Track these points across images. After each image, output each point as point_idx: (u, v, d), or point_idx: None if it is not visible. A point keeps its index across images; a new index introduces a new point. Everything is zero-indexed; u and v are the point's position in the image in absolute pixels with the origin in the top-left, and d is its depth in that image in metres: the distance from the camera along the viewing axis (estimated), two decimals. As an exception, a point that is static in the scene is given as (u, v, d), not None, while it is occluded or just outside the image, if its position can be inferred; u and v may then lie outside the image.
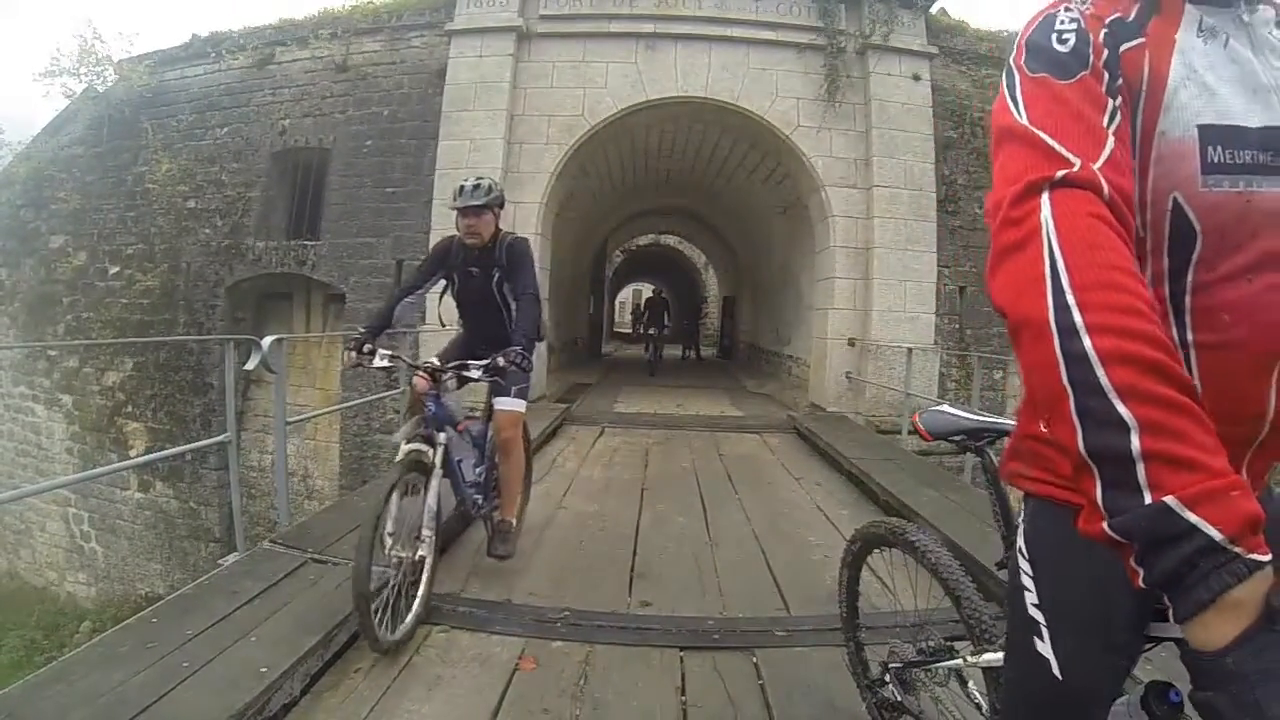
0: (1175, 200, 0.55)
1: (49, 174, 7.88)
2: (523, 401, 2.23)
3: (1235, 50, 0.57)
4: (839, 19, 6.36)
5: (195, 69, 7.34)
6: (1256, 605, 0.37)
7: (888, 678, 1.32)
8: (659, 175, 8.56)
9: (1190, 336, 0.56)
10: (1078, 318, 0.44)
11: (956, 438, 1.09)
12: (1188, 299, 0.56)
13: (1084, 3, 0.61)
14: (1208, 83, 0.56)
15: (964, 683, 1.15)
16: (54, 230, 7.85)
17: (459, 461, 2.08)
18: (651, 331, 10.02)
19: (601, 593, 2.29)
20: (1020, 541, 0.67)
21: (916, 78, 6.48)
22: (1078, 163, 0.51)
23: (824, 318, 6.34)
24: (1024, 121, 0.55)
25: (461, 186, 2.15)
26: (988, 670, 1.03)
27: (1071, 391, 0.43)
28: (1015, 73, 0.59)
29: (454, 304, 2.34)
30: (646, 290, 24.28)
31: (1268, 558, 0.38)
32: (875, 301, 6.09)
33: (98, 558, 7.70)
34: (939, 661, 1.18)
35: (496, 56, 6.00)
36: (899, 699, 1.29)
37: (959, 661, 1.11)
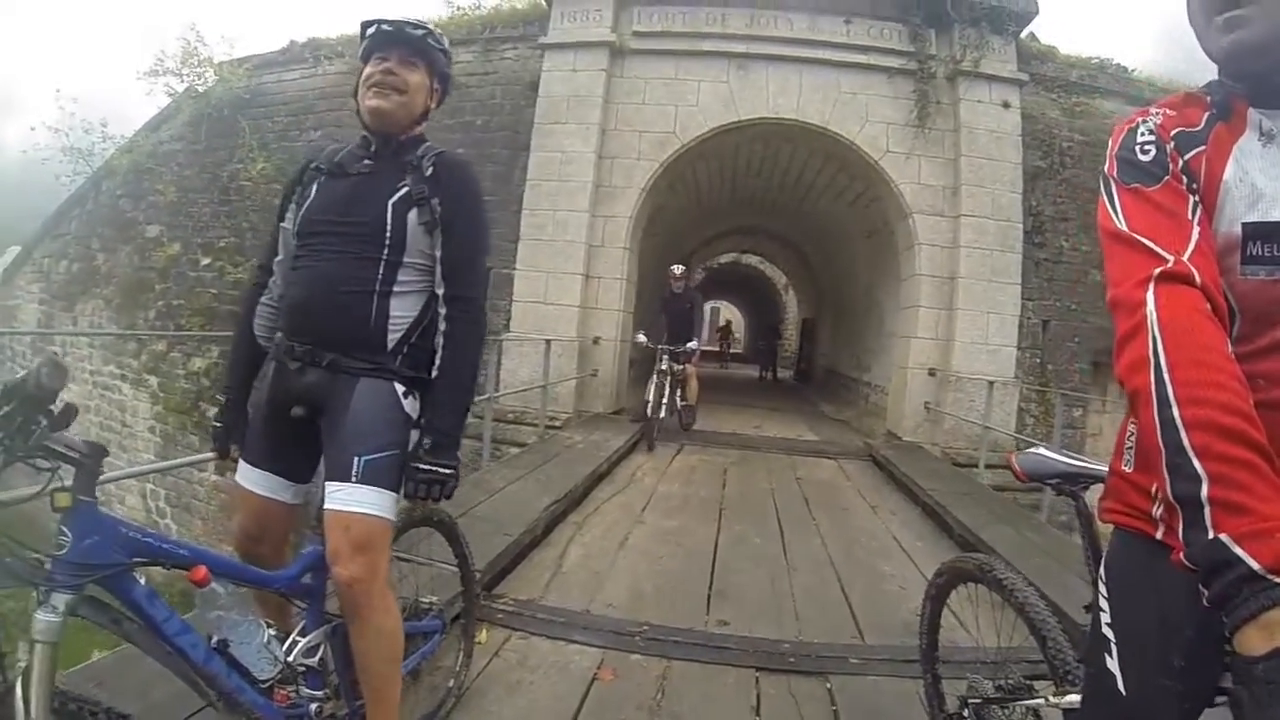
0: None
1: (148, 167, 8.30)
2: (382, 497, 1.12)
3: None
4: (930, 44, 6.29)
5: (292, 73, 7.66)
6: None
7: (966, 713, 1.31)
8: (745, 194, 8.59)
9: None
10: (1170, 391, 0.55)
11: (1052, 481, 1.08)
12: None
13: (1158, 114, 0.72)
14: (1257, 184, 0.65)
15: None
16: (150, 220, 8.26)
17: (222, 642, 0.99)
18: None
19: (680, 609, 2.31)
20: (1101, 568, 0.75)
21: (1006, 105, 6.36)
22: (1171, 259, 0.61)
23: (905, 346, 6.25)
24: (1125, 228, 0.66)
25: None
26: (1068, 712, 1.02)
27: (1164, 449, 0.54)
28: (1112, 184, 0.70)
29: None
30: (725, 310, 24.28)
31: None
32: (958, 332, 5.98)
33: (171, 535, 8.05)
34: (1018, 700, 1.18)
35: (589, 71, 6.11)
36: None
37: (1039, 701, 1.12)
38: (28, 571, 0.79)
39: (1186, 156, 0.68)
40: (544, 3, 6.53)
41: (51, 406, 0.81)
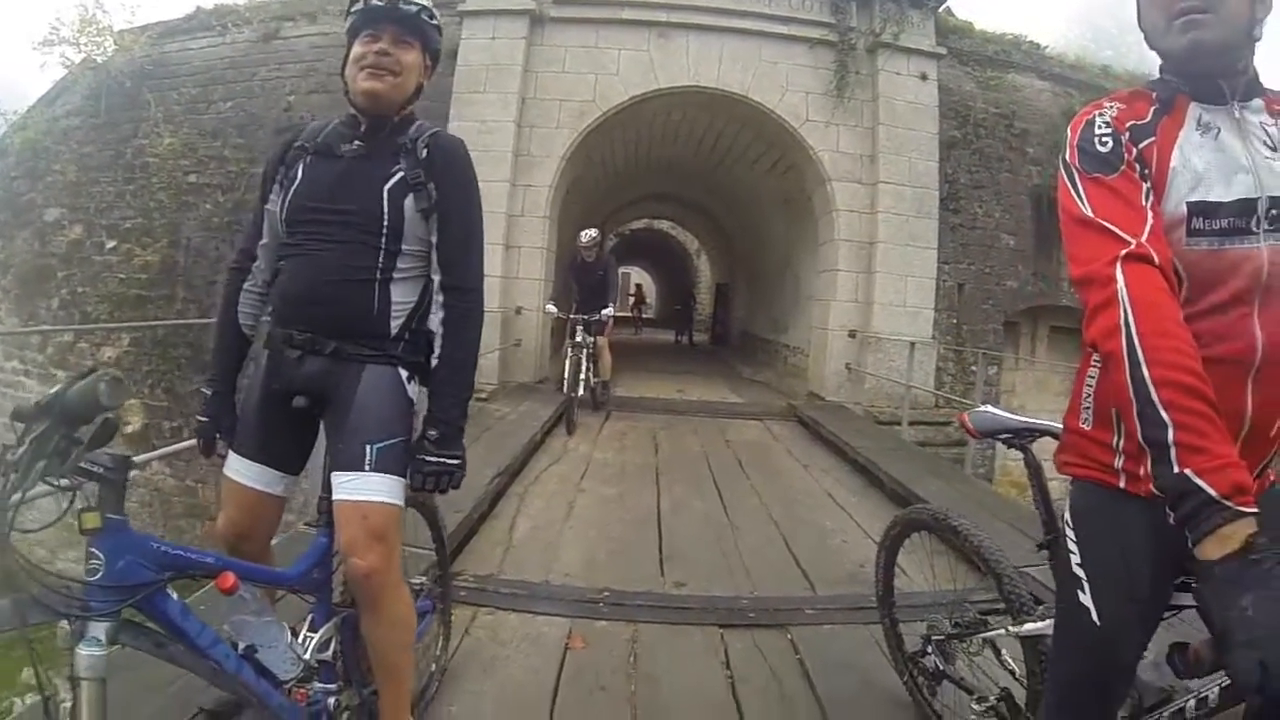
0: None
1: (45, 145, 7.72)
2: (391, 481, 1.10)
3: (1224, 141, 0.78)
4: (850, 16, 6.43)
5: (198, 41, 7.23)
6: (1239, 539, 0.59)
7: (930, 649, 1.43)
8: (661, 161, 8.59)
9: None
10: (1140, 355, 0.67)
11: (1003, 436, 1.20)
12: None
13: (1112, 107, 0.82)
14: (1198, 169, 0.77)
15: (998, 651, 1.29)
16: (49, 202, 7.70)
17: (249, 648, 0.99)
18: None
19: (635, 573, 2.37)
20: (1066, 514, 0.85)
21: (924, 77, 6.57)
22: (1134, 242, 0.72)
23: (825, 309, 6.43)
24: (1090, 214, 0.76)
25: None
26: (1025, 639, 1.14)
27: (1135, 401, 0.66)
28: (1075, 172, 0.80)
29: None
30: (636, 275, 24.25)
31: (1250, 509, 0.60)
32: (876, 295, 6.20)
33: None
34: (977, 633, 1.31)
35: (509, 39, 5.99)
36: (941, 668, 1.40)
37: (998, 632, 1.25)
38: (61, 603, 0.71)
39: (1140, 146, 0.78)
40: (462, -32, 6.35)
41: (86, 429, 0.73)
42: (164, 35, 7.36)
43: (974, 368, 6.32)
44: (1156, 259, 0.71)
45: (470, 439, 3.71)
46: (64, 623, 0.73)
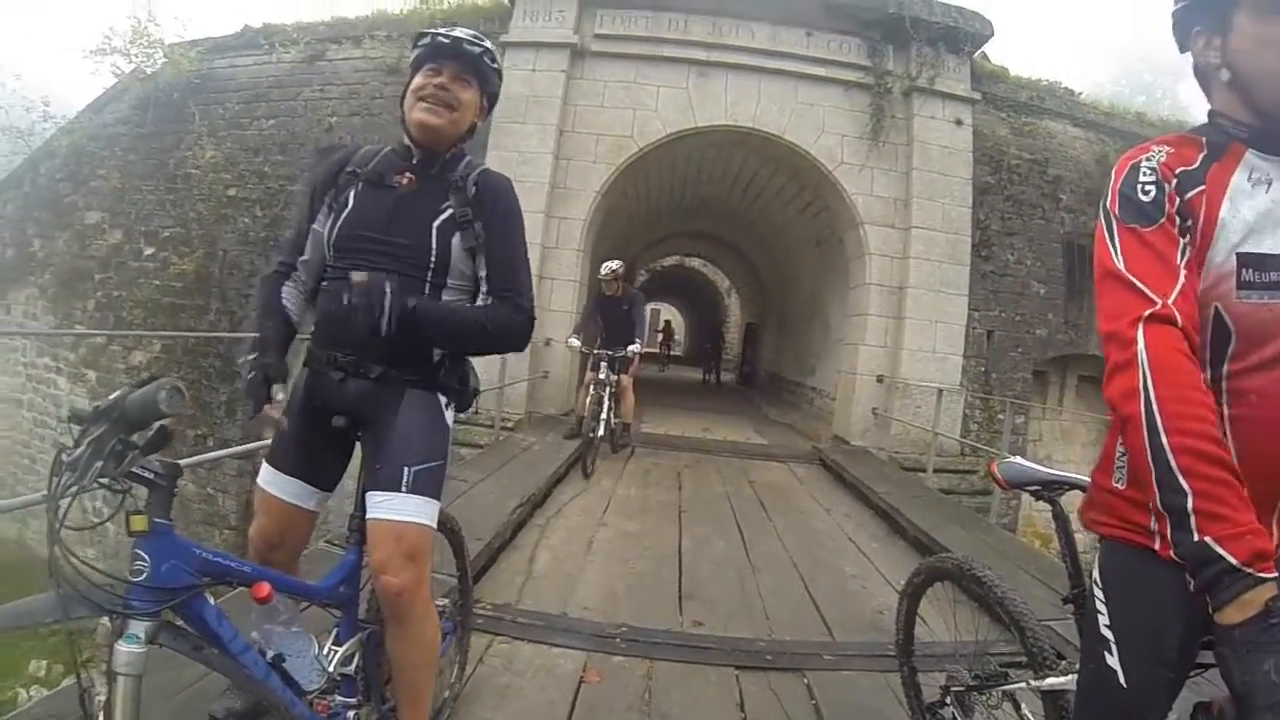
0: (1216, 309, 0.75)
1: (90, 150, 7.93)
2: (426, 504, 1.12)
3: (1276, 194, 0.76)
4: (887, 60, 6.45)
5: (245, 59, 7.41)
6: (1259, 605, 0.60)
7: (949, 700, 1.41)
8: (695, 199, 8.64)
9: (1227, 411, 0.75)
10: (1159, 421, 0.66)
11: (1032, 488, 1.18)
12: (1225, 382, 0.76)
13: (1160, 152, 0.80)
14: (1248, 219, 0.74)
15: (1017, 706, 1.26)
16: (91, 206, 7.89)
17: (277, 656, 1.01)
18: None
19: (654, 610, 2.36)
20: (1095, 574, 0.83)
21: (959, 122, 6.57)
22: (1159, 303, 0.71)
23: (854, 353, 6.39)
24: (1121, 267, 0.75)
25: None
26: (1047, 694, 1.11)
27: (1154, 467, 0.66)
28: (1113, 221, 0.78)
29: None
30: (665, 312, 24.26)
31: (1270, 576, 0.61)
32: (906, 340, 6.15)
33: (108, 535, 7.70)
34: (997, 686, 1.29)
35: (550, 71, 6.08)
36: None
37: (1019, 685, 1.22)
38: (107, 600, 0.73)
39: (1188, 195, 0.76)
40: (506, 1, 6.47)
41: (142, 434, 0.76)
42: (212, 51, 7.55)
43: (1001, 416, 6.24)
44: (1180, 321, 0.70)
45: (492, 468, 3.78)
46: (105, 619, 0.75)
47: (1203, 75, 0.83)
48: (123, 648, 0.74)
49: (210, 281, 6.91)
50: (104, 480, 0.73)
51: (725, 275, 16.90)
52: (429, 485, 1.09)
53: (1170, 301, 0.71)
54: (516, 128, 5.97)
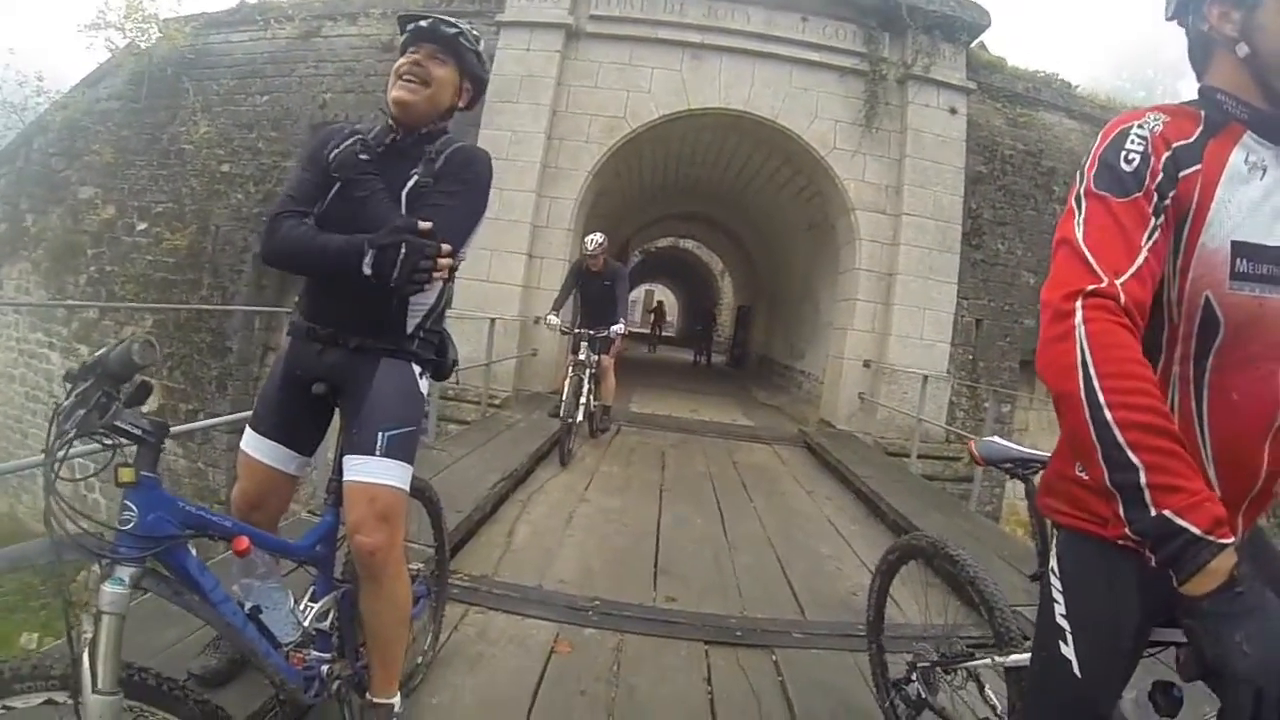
0: (1207, 298, 0.72)
1: (84, 125, 7.91)
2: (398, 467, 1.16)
3: (1272, 181, 0.72)
4: (883, 47, 6.45)
5: (240, 34, 7.39)
6: (1225, 572, 0.59)
7: (914, 676, 1.44)
8: (688, 181, 8.65)
9: (1205, 406, 0.73)
10: (1100, 395, 0.64)
11: (1006, 465, 1.23)
12: (1207, 376, 0.73)
13: (1156, 121, 0.75)
14: (1243, 207, 0.71)
15: (981, 686, 1.30)
16: (84, 181, 7.88)
17: (254, 608, 1.05)
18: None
19: (628, 585, 2.38)
20: (1053, 563, 0.82)
21: (953, 111, 6.58)
22: (1105, 280, 0.68)
23: (842, 337, 6.43)
24: (1078, 237, 0.71)
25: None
26: (1010, 670, 1.15)
27: (1099, 445, 0.63)
28: (1083, 181, 0.74)
29: None
30: (659, 293, 24.23)
31: (1230, 541, 0.59)
32: (894, 326, 6.19)
33: (100, 509, 7.75)
34: (961, 663, 1.32)
35: (544, 51, 6.07)
36: (923, 696, 1.41)
37: (982, 663, 1.25)
38: (95, 545, 0.79)
39: (1183, 173, 0.72)
40: (502, -21, 6.45)
41: (126, 385, 0.82)
42: (207, 26, 7.53)
43: (987, 404, 6.29)
44: (1123, 300, 0.67)
45: (477, 444, 3.80)
46: (95, 565, 0.81)
47: (1203, 46, 0.79)
48: (108, 589, 0.79)
49: (203, 257, 6.92)
50: (95, 434, 0.79)
51: (719, 257, 16.89)
52: (402, 450, 1.14)
53: (1120, 281, 0.67)
54: (509, 107, 5.97)
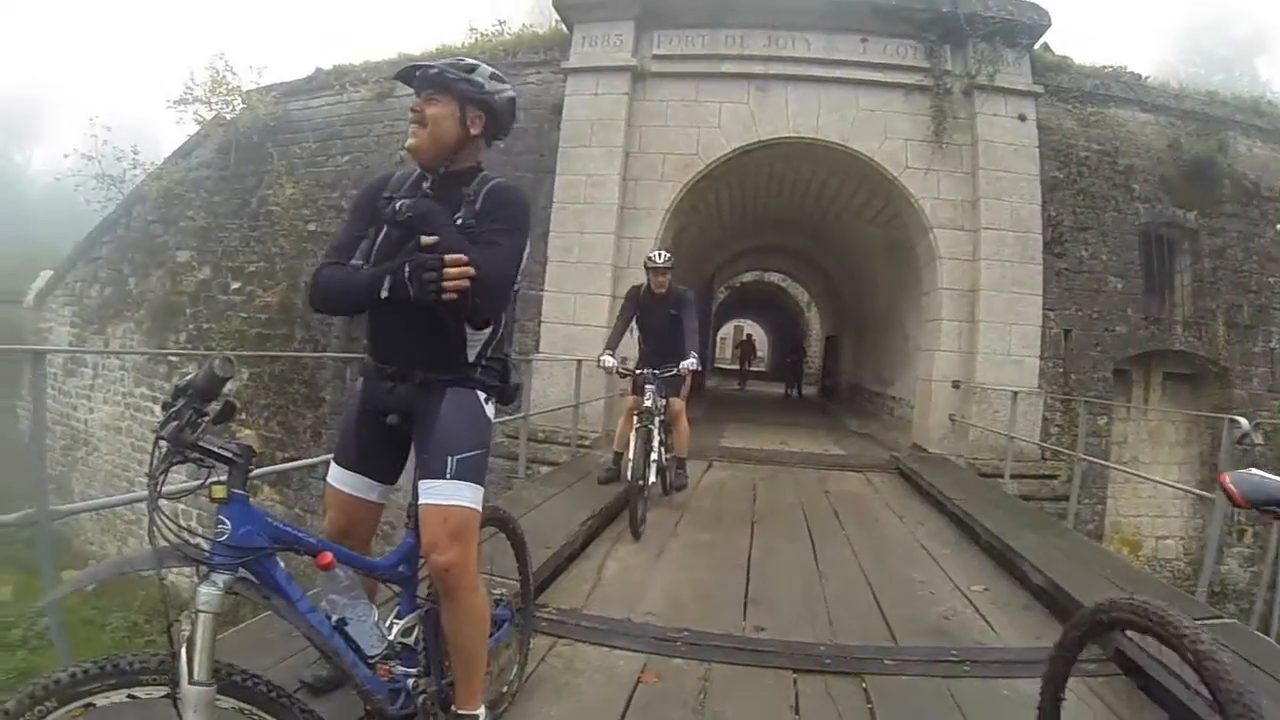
0: None
1: (178, 193, 8.53)
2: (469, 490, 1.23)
3: None
4: (945, 60, 6.37)
5: (318, 100, 7.86)
6: None
7: None
8: (766, 213, 8.67)
9: None
10: None
11: (1273, 507, 0.99)
12: None
13: None
14: None
15: None
16: (180, 245, 8.48)
17: (340, 621, 1.12)
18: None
19: (717, 616, 2.39)
20: None
21: (1022, 117, 6.43)
22: None
23: (929, 359, 6.30)
24: None
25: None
26: None
27: None
28: None
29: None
30: (748, 327, 24.27)
31: None
32: (980, 344, 6.03)
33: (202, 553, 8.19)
34: None
35: (612, 94, 6.23)
36: None
37: None
38: (194, 553, 0.91)
39: None
40: (565, 28, 6.68)
41: (215, 404, 0.94)
42: (287, 94, 8.04)
43: (1082, 418, 6.03)
44: None
45: (566, 483, 3.94)
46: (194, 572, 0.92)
47: None
48: (204, 590, 0.90)
49: (294, 312, 7.32)
50: (190, 456, 0.91)
51: (804, 289, 16.85)
52: (472, 472, 1.23)
53: None
54: (583, 151, 6.14)
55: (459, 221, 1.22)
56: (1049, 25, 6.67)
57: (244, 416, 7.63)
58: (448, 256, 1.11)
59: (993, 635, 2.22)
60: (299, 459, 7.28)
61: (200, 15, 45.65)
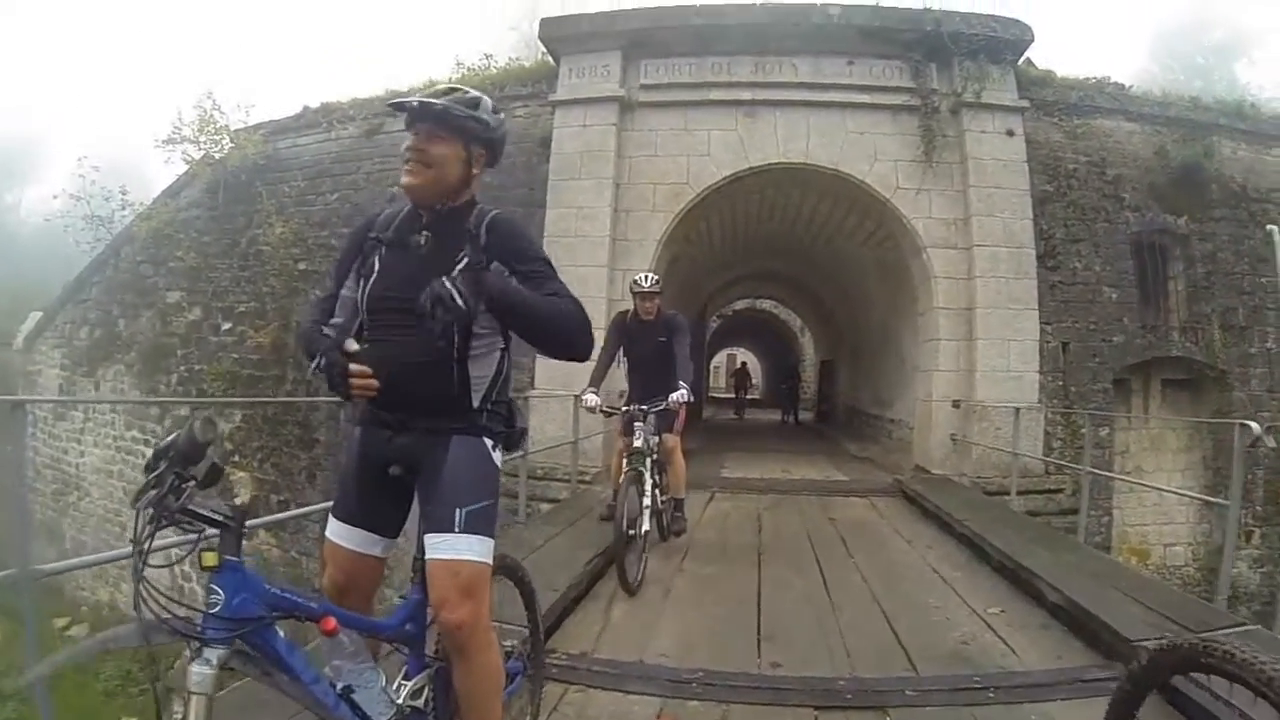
0: None
1: (168, 233, 8.46)
2: (481, 541, 1.18)
3: None
4: (931, 79, 6.42)
5: (306, 138, 7.84)
6: None
7: None
8: (758, 239, 8.68)
9: None
10: None
11: None
12: None
13: None
14: None
15: None
16: (171, 286, 8.40)
17: (346, 688, 1.08)
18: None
19: (731, 653, 2.34)
20: None
21: (1010, 133, 6.46)
22: None
23: (928, 379, 6.27)
24: None
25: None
26: None
27: None
28: None
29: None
30: (741, 354, 24.27)
31: None
32: (979, 362, 6.01)
33: (196, 599, 8.03)
34: None
35: (600, 126, 6.24)
36: None
37: None
38: (183, 627, 0.84)
39: None
40: (551, 60, 6.70)
41: (199, 466, 0.88)
42: (275, 133, 8.02)
43: (1084, 430, 6.00)
44: None
45: (568, 521, 3.85)
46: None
47: None
48: (195, 669, 0.82)
49: (286, 352, 7.24)
50: (177, 521, 0.84)
51: (797, 315, 16.89)
52: (481, 524, 1.16)
53: None
54: (573, 184, 6.13)
55: (464, 261, 1.15)
56: (1032, 40, 6.74)
57: (237, 459, 7.52)
58: (353, 367, 1.09)
59: (1014, 658, 2.19)
60: (294, 501, 7.21)
61: (189, 55, 45.98)
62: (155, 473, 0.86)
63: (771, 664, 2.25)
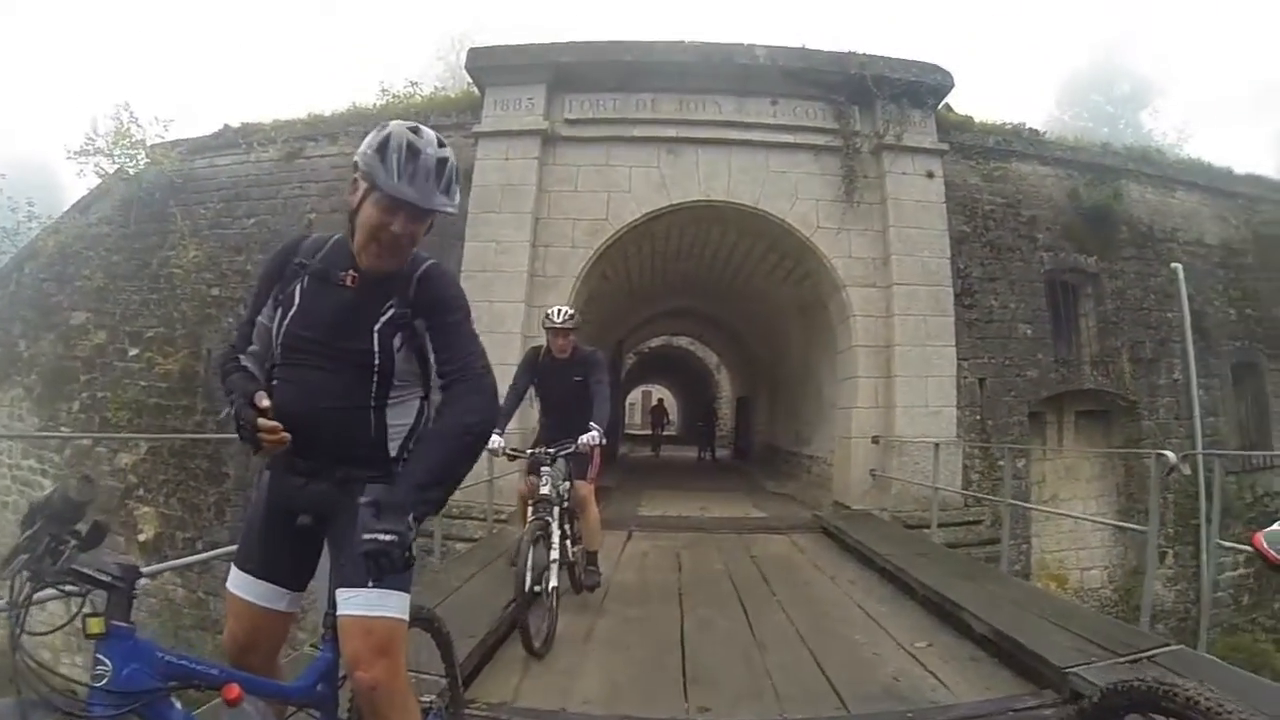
0: None
1: (75, 250, 7.99)
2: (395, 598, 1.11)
3: None
4: (854, 121, 6.59)
5: (225, 158, 7.54)
6: None
7: None
8: (676, 277, 8.71)
9: None
10: None
11: None
12: None
13: None
14: None
15: None
16: (75, 306, 7.90)
17: None
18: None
19: (658, 699, 2.28)
20: None
21: (930, 175, 6.68)
22: None
23: (847, 416, 6.34)
24: None
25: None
26: None
27: None
28: None
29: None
30: (658, 391, 24.31)
31: None
32: (898, 398, 6.12)
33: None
34: None
35: (522, 159, 6.17)
36: None
37: None
38: (65, 704, 0.74)
39: None
40: (477, 91, 6.62)
41: (79, 526, 0.79)
42: (193, 151, 7.68)
43: (1002, 463, 6.16)
44: None
45: (485, 561, 3.58)
46: None
47: None
48: None
49: (195, 381, 6.87)
50: (57, 582, 0.76)
51: (714, 352, 16.98)
52: (397, 578, 1.06)
53: None
54: (493, 217, 6.03)
55: (390, 313, 1.11)
56: (952, 86, 7.01)
57: (141, 493, 7.07)
58: (261, 422, 1.04)
59: (945, 692, 2.18)
60: (201, 539, 6.80)
61: (111, 63, 43.78)
62: (29, 532, 0.77)
63: (700, 708, 2.19)
